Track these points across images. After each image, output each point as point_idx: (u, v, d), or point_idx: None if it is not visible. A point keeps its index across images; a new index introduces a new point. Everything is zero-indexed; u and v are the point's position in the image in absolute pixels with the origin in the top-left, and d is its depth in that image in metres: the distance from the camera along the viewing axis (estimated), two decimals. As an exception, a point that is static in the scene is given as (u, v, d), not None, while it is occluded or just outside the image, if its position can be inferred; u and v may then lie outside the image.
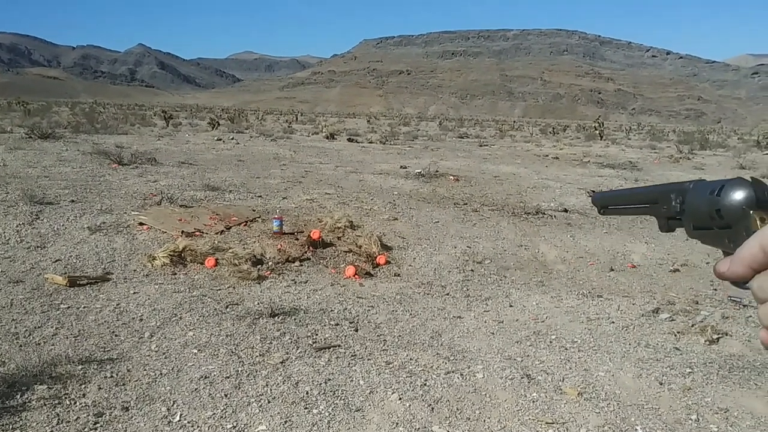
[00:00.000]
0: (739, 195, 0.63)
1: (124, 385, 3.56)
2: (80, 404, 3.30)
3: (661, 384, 4.03)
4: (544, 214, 9.81)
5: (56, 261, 5.94)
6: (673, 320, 5.34)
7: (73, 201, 7.98)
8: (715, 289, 6.39)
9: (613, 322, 5.26)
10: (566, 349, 4.62)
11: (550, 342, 4.75)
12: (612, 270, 7.07)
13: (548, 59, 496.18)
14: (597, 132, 38.46)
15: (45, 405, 3.24)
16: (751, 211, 0.62)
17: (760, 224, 0.61)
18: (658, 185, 0.80)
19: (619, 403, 3.73)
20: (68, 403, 3.29)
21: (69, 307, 4.79)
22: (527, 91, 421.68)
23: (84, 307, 4.81)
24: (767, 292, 0.58)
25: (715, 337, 4.85)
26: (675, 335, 4.97)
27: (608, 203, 0.92)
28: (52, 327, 4.38)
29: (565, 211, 10.30)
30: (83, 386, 3.49)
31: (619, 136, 47.98)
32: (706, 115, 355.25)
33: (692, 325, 5.16)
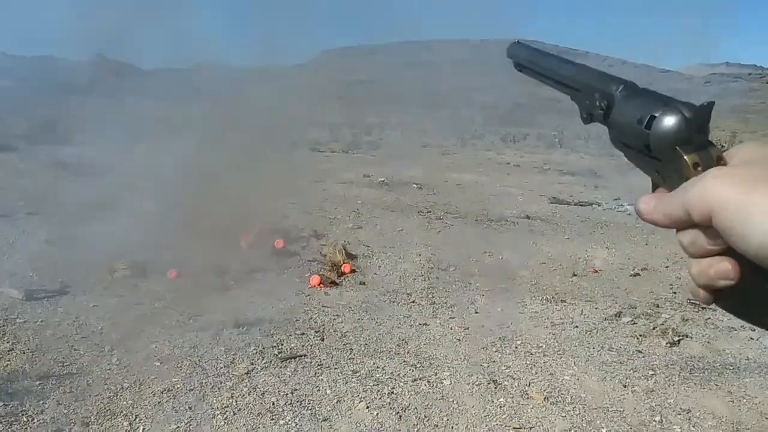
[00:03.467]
0: (671, 132, 0.54)
1: (84, 400, 3.47)
2: (38, 421, 3.20)
3: (624, 386, 4.08)
4: (506, 221, 9.90)
5: (12, 274, 5.77)
6: (635, 323, 5.42)
7: (29, 213, 7.78)
8: (675, 293, 6.51)
9: (576, 327, 5.32)
10: (531, 354, 4.65)
11: (516, 347, 4.78)
12: (574, 275, 7.16)
13: (508, 68, 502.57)
14: (557, 140, 39.03)
15: (1, 422, 3.14)
16: (684, 155, 0.53)
17: (693, 170, 0.53)
18: (586, 71, 0.68)
19: (585, 406, 3.77)
20: (26, 420, 3.20)
21: (26, 321, 4.66)
22: (487, 100, 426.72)
23: (41, 321, 4.69)
24: (698, 247, 0.53)
25: (675, 339, 4.94)
26: (637, 338, 5.04)
27: (526, 62, 0.78)
28: (8, 342, 4.25)
29: (528, 217, 10.40)
30: (41, 402, 3.39)
31: (579, 143, 48.75)
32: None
33: (653, 328, 5.25)
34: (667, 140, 0.54)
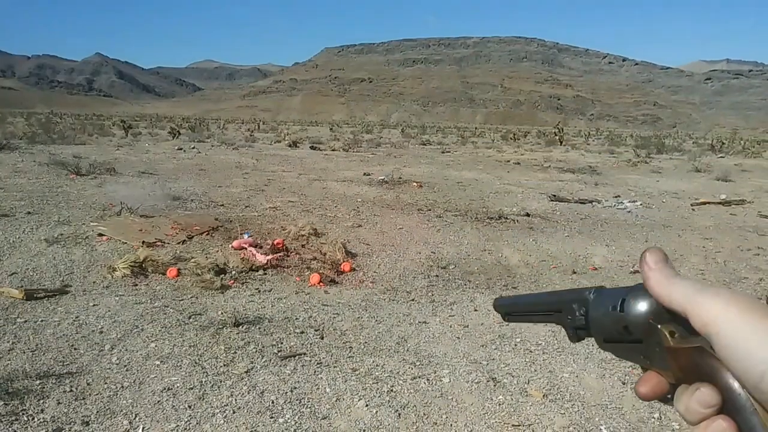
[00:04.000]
0: (642, 307, 0.58)
1: (84, 399, 3.48)
2: (38, 420, 3.21)
3: (624, 384, 4.09)
4: (506, 218, 9.90)
5: (12, 274, 5.79)
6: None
7: (29, 212, 7.80)
8: (674, 290, 6.51)
9: (576, 324, 5.32)
10: (531, 351, 4.66)
11: (515, 345, 4.78)
12: (574, 273, 7.16)
13: (508, 66, 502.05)
14: (557, 137, 39.04)
15: (1, 422, 3.14)
16: (659, 325, 0.56)
17: (671, 339, 0.54)
18: (560, 292, 0.73)
19: (584, 403, 3.77)
20: (26, 419, 3.20)
21: (26, 321, 4.67)
22: (488, 98, 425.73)
23: (41, 321, 4.69)
24: (692, 412, 0.53)
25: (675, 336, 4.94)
26: (636, 335, 5.05)
27: (511, 310, 0.82)
28: (8, 342, 4.26)
29: (527, 215, 10.41)
30: (41, 401, 3.40)
31: (579, 141, 48.79)
32: (661, 120, 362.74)
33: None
34: (641, 316, 0.58)
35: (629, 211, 11.52)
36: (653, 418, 3.62)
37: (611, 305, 0.61)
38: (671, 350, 0.54)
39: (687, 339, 0.54)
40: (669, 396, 0.59)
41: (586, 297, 0.67)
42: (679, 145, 43.18)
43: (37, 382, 3.64)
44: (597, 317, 0.64)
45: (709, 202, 12.90)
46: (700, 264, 7.63)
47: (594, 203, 12.36)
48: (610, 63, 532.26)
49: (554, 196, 12.74)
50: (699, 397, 0.51)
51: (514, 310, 0.81)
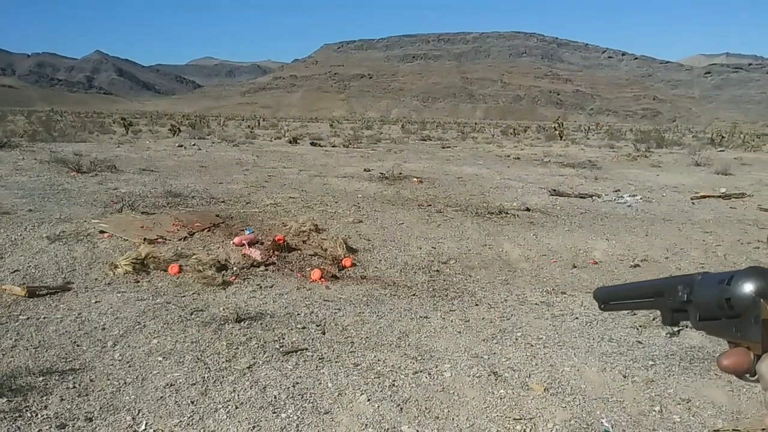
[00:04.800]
0: (750, 285, 0.63)
1: (87, 395, 3.50)
2: (42, 416, 3.22)
3: (624, 377, 4.10)
4: (507, 213, 9.91)
5: (14, 271, 5.81)
6: (634, 314, 5.43)
7: (30, 210, 7.81)
8: (675, 283, 6.52)
9: (576, 318, 5.34)
10: (532, 345, 4.67)
11: (516, 339, 4.80)
12: (575, 267, 7.18)
13: (507, 61, 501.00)
14: (557, 132, 38.98)
15: (5, 418, 3.16)
16: (762, 299, 0.62)
17: None
18: (664, 278, 0.79)
19: (585, 397, 3.79)
20: (29, 415, 3.22)
21: (28, 318, 4.68)
22: (488, 93, 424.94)
23: (44, 318, 4.71)
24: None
25: (675, 329, 4.95)
26: (637, 329, 5.06)
27: (610, 298, 0.89)
28: (10, 339, 4.27)
29: (528, 210, 10.42)
30: (45, 398, 3.41)
31: (579, 136, 48.73)
32: (661, 114, 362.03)
33: (653, 319, 5.26)
34: (748, 290, 0.63)
35: (629, 206, 11.53)
36: (654, 411, 3.63)
37: (719, 280, 0.67)
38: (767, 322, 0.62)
39: None
40: (747, 374, 0.66)
41: (694, 279, 0.73)
42: (679, 139, 43.14)
43: (40, 378, 3.65)
44: (702, 293, 0.70)
45: (709, 196, 12.90)
46: (700, 257, 7.64)
47: (594, 198, 12.37)
48: (609, 57, 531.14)
49: (554, 190, 12.74)
50: None
51: (614, 298, 0.88)
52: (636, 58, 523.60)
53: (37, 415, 3.23)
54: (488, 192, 12.54)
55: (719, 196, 12.90)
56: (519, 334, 4.93)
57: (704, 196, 12.85)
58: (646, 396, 3.83)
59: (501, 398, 3.72)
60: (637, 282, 0.84)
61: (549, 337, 4.85)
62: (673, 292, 0.75)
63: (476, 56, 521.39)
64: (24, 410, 3.26)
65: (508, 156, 23.12)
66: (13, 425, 3.11)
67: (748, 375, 0.66)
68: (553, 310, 5.59)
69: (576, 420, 3.48)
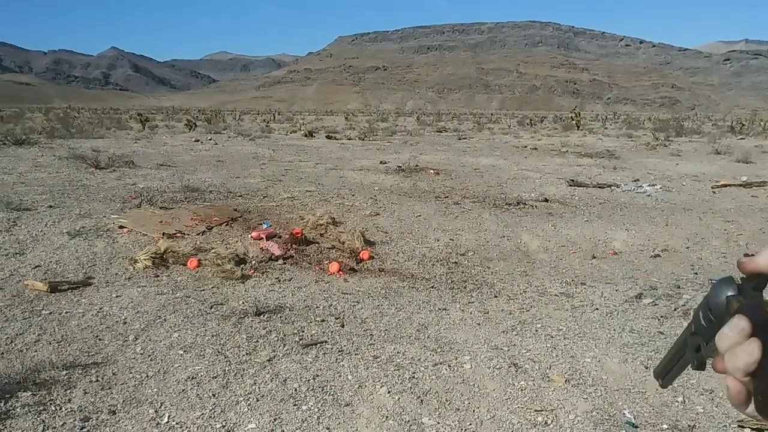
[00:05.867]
0: (722, 290, 0.64)
1: (110, 388, 3.53)
2: (66, 409, 3.26)
3: (646, 368, 4.07)
4: (525, 204, 9.86)
5: (36, 267, 5.87)
6: (656, 305, 5.39)
7: (51, 206, 7.88)
8: (696, 273, 6.46)
9: (597, 309, 5.30)
10: (552, 337, 4.65)
11: (536, 330, 4.78)
12: (594, 257, 7.13)
13: (523, 51, 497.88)
14: (574, 122, 38.71)
15: (30, 412, 3.20)
16: (732, 299, 0.63)
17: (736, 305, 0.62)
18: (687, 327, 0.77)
19: (606, 388, 3.76)
20: (54, 408, 3.25)
21: (51, 313, 4.73)
22: (503, 84, 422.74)
23: (66, 312, 4.76)
24: (726, 339, 0.62)
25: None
26: (658, 319, 5.02)
27: (663, 374, 0.83)
28: (34, 333, 4.32)
29: (546, 201, 10.36)
30: (68, 391, 3.45)
31: (596, 125, 48.35)
32: (680, 103, 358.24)
33: (675, 309, 5.22)
34: (722, 298, 0.64)
35: (649, 195, 11.42)
36: (677, 402, 3.61)
37: (700, 307, 0.68)
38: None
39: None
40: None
41: (694, 314, 0.71)
42: (698, 128, 42.65)
43: (64, 372, 3.69)
44: (696, 321, 0.69)
45: (729, 185, 12.75)
46: (721, 247, 7.55)
47: (613, 187, 12.27)
48: (627, 45, 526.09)
49: (572, 180, 12.65)
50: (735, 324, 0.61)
51: (666, 370, 0.82)
52: (654, 46, 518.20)
53: (61, 408, 3.27)
54: (505, 183, 12.48)
55: (740, 185, 12.74)
56: (539, 325, 4.90)
57: (725, 185, 12.70)
58: (669, 387, 3.79)
59: (522, 390, 3.70)
60: (671, 347, 0.80)
61: (569, 329, 4.83)
62: (692, 339, 0.72)
63: (491, 46, 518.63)
64: (48, 403, 3.30)
65: (525, 147, 22.99)
66: (38, 418, 3.15)
67: None
68: (573, 301, 5.56)
69: (598, 411, 3.46)
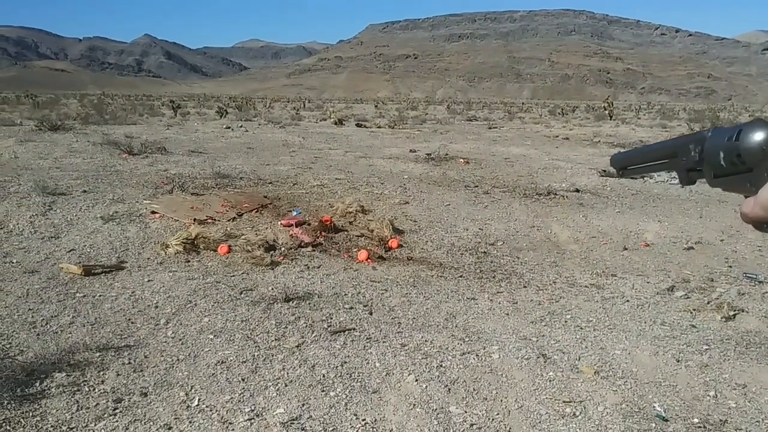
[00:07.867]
0: (758, 136, 0.62)
1: (142, 371, 3.58)
2: (99, 390, 3.32)
3: (678, 361, 4.01)
4: (555, 194, 9.77)
5: (70, 251, 5.98)
6: (688, 298, 5.31)
7: (85, 191, 8.01)
8: (730, 266, 6.34)
9: (627, 301, 5.24)
10: (581, 328, 4.61)
11: (565, 321, 4.74)
12: (625, 249, 7.04)
13: (556, 40, 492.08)
14: (606, 112, 38.20)
15: (64, 392, 3.26)
16: None
17: None
18: (676, 138, 0.79)
19: (636, 380, 3.72)
20: (87, 389, 3.32)
21: (85, 296, 4.82)
22: (535, 73, 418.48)
23: (99, 296, 4.84)
24: None
25: (731, 313, 4.83)
26: (691, 313, 4.95)
27: (627, 163, 0.90)
28: (68, 315, 4.40)
29: (577, 191, 10.25)
30: (101, 373, 3.51)
31: (629, 115, 47.62)
32: (716, 93, 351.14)
33: (708, 303, 5.14)
34: (757, 144, 0.63)
35: (683, 186, 11.22)
36: (708, 396, 3.55)
37: (728, 136, 0.67)
38: None
39: None
40: (766, 224, 0.69)
41: (704, 136, 0.72)
42: (735, 118, 41.79)
43: (97, 354, 3.76)
44: (712, 150, 0.70)
45: (766, 177, 12.46)
46: (757, 240, 7.40)
47: (646, 178, 12.09)
48: (662, 34, 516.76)
49: (604, 171, 12.48)
50: None
51: (630, 162, 0.89)
52: (690, 35, 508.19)
53: (94, 389, 3.33)
54: (536, 173, 12.37)
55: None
56: (568, 316, 4.86)
57: (761, 177, 12.42)
58: (700, 381, 3.74)
59: (550, 381, 3.68)
60: (651, 144, 0.84)
61: (599, 320, 4.78)
62: (686, 152, 0.75)
63: (523, 35, 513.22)
64: (82, 384, 3.36)
65: (557, 136, 22.75)
66: (72, 398, 3.21)
67: (765, 225, 0.69)
68: (604, 292, 5.50)
69: (627, 404, 3.43)
